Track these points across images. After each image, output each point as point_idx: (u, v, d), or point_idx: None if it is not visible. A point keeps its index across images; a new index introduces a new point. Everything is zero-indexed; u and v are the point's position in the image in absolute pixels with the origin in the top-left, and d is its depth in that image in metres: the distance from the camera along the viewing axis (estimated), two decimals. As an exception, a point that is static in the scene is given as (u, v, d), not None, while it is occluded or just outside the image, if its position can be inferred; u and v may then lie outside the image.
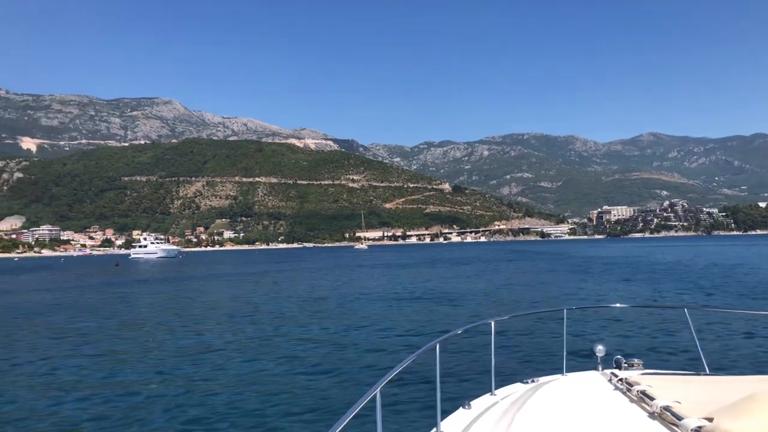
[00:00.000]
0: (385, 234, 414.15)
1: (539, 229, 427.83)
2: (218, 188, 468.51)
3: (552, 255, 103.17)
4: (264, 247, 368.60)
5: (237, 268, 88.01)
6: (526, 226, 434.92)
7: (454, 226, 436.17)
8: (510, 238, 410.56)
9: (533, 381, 5.33)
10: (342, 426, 2.54)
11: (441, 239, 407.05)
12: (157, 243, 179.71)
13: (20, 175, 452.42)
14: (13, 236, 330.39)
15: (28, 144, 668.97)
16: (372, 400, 3.00)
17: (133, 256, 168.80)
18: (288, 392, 12.92)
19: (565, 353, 5.70)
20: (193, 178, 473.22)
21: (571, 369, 5.57)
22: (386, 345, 18.28)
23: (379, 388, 3.09)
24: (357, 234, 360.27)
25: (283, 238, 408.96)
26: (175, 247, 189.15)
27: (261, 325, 23.45)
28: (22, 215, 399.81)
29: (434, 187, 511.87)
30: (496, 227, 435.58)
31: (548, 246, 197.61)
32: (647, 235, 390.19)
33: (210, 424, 10.96)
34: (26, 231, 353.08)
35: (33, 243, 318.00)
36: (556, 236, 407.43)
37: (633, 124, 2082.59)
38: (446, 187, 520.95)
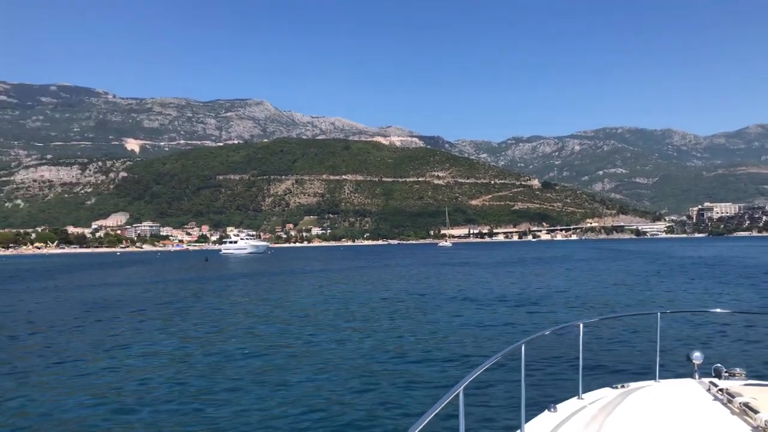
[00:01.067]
0: (471, 231, 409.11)
1: (634, 227, 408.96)
2: (307, 186, 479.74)
3: (648, 254, 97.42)
4: (349, 243, 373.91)
5: (324, 264, 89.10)
6: (620, 224, 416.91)
7: (544, 224, 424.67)
8: (603, 236, 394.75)
9: (623, 386, 5.10)
10: (424, 423, 2.53)
11: (529, 237, 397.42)
12: (247, 239, 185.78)
13: (125, 174, 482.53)
14: (118, 232, 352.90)
15: (132, 145, 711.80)
16: (455, 398, 2.96)
17: (223, 251, 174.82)
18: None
19: (657, 359, 5.46)
20: (283, 177, 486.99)
21: (665, 376, 5.36)
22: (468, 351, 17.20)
23: (462, 387, 3.04)
24: (442, 231, 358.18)
25: (368, 234, 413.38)
26: (264, 243, 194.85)
27: (333, 323, 23.05)
28: (127, 212, 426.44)
29: (523, 183, 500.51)
30: (588, 225, 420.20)
31: (644, 245, 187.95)
32: (754, 233, 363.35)
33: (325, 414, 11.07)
34: (129, 227, 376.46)
35: (135, 238, 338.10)
36: (652, 234, 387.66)
37: (738, 115, 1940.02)
38: (535, 183, 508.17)
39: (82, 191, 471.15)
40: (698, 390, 4.64)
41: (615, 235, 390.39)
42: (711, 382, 4.64)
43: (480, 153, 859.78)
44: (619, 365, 14.26)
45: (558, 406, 4.41)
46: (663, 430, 3.46)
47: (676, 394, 4.55)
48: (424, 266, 72.34)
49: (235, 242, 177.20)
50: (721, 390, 4.19)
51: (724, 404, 3.91)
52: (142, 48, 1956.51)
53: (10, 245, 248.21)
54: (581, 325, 5.47)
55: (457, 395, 2.97)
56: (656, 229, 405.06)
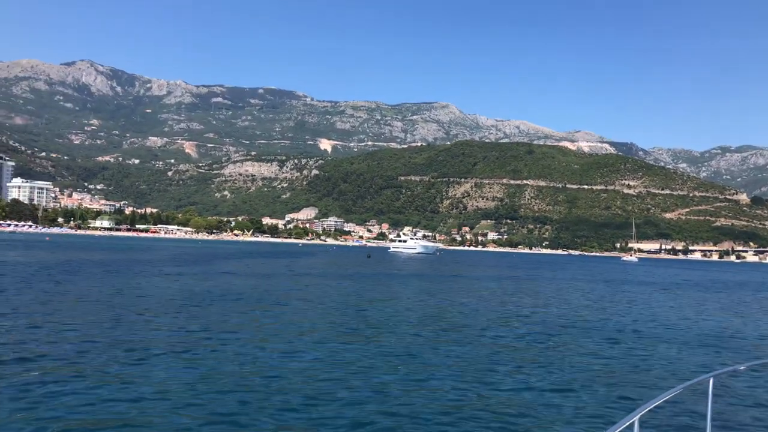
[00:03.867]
0: (663, 246, 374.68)
1: None
2: (486, 190, 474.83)
3: None
4: (525, 251, 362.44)
5: (497, 270, 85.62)
6: None
7: (751, 244, 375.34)
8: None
9: None
10: None
11: (732, 257, 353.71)
12: (415, 239, 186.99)
13: (317, 172, 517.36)
14: (307, 225, 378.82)
15: (325, 145, 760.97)
16: (629, 426, 2.76)
17: (392, 249, 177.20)
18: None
19: None
20: (463, 180, 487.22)
21: None
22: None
23: (638, 416, 2.81)
24: (628, 244, 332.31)
25: (547, 243, 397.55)
26: (433, 245, 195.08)
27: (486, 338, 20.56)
28: (316, 207, 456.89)
29: (727, 197, 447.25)
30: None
31: None
32: None
33: None
34: (317, 221, 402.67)
35: (320, 232, 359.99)
36: None
37: None
38: (743, 198, 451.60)
39: (279, 186, 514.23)
40: None
41: None
42: None
43: (678, 162, 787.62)
44: None
45: None
46: None
47: None
48: (604, 283, 65.79)
49: (405, 241, 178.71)
50: None
51: None
52: (338, 54, 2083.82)
53: (213, 231, 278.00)
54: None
55: (632, 424, 2.77)
56: None
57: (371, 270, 67.55)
